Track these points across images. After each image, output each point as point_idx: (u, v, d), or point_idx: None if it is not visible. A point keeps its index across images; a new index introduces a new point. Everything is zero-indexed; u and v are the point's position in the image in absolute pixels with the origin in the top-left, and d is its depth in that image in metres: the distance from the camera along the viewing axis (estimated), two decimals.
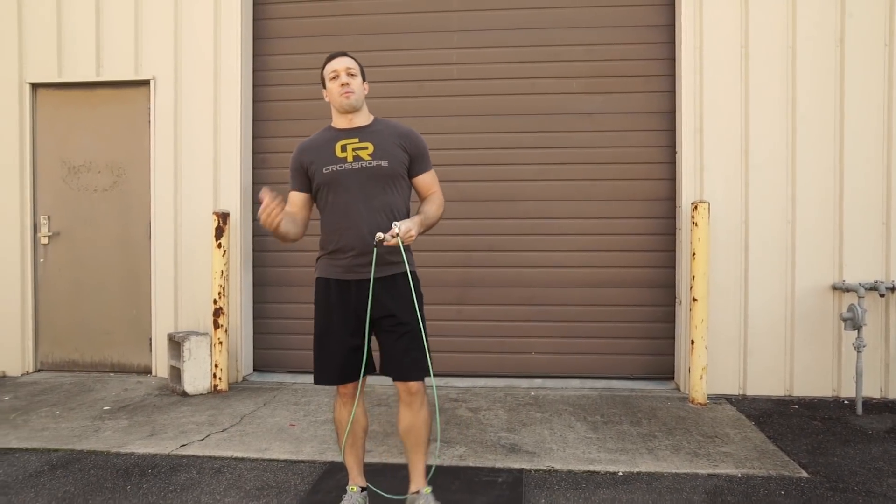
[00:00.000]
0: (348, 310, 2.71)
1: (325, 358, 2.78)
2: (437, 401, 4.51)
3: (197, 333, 4.95)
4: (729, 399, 4.66)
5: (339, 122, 2.82)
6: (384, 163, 2.71)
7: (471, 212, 5.14)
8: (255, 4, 5.35)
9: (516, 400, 4.64)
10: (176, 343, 4.90)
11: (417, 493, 2.78)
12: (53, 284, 5.47)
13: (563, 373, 5.13)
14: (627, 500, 3.04)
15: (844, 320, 4.38)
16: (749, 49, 4.75)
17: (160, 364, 5.28)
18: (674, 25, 5.01)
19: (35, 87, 5.39)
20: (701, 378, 4.51)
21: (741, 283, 4.75)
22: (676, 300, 4.98)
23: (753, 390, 4.74)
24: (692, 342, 4.54)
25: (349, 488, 2.86)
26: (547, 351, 5.15)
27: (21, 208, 5.38)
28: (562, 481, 3.26)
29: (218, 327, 4.92)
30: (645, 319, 5.08)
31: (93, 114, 5.39)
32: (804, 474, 3.31)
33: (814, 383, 4.71)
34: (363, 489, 2.88)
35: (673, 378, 5.02)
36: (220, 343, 4.91)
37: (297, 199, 2.82)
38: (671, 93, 5.03)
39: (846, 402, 4.59)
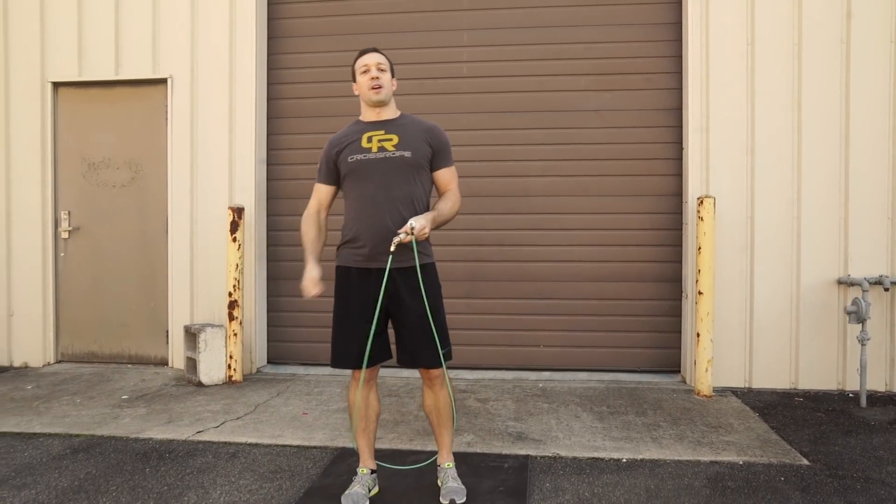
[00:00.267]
0: (368, 297, 2.81)
1: (342, 343, 2.88)
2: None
3: (212, 325, 5.08)
4: (734, 392, 4.72)
5: (368, 114, 2.93)
6: (407, 154, 2.81)
7: (480, 207, 5.23)
8: (269, 4, 5.47)
9: (524, 391, 4.73)
10: (192, 335, 5.03)
11: (440, 466, 2.99)
12: (73, 278, 5.61)
13: (570, 366, 5.21)
14: (630, 484, 3.12)
15: (849, 314, 4.43)
16: (755, 46, 4.81)
17: (176, 356, 5.42)
18: (681, 23, 5.07)
19: (56, 86, 5.54)
20: (706, 370, 4.57)
21: (747, 277, 4.81)
22: (683, 294, 5.04)
23: (759, 383, 4.80)
24: (698, 335, 4.60)
25: (359, 470, 2.96)
26: (555, 344, 5.23)
27: (43, 204, 5.53)
28: (566, 467, 3.34)
29: (233, 319, 5.04)
30: (651, 313, 5.15)
31: (112, 112, 5.54)
32: (805, 462, 3.38)
33: (819, 376, 4.76)
34: (373, 471, 2.98)
35: (679, 371, 5.09)
36: (235, 335, 5.03)
37: (322, 191, 2.98)
38: (678, 90, 5.09)
39: (851, 395, 4.64)
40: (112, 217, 5.55)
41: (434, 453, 3.22)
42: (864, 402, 4.38)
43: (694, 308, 4.71)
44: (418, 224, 2.65)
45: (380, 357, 2.89)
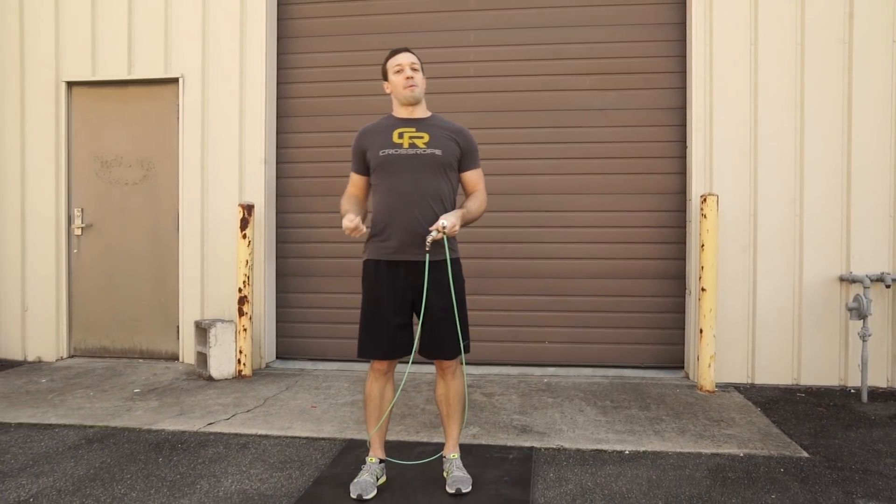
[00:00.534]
0: (396, 290, 2.89)
1: (370, 334, 2.95)
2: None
3: (222, 321, 5.17)
4: (737, 387, 4.78)
5: (400, 112, 3.02)
6: (437, 152, 2.90)
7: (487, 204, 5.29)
8: (279, 4, 5.55)
9: (529, 386, 4.79)
10: (203, 330, 5.12)
11: (445, 457, 3.07)
12: (86, 274, 5.72)
13: (575, 361, 5.28)
14: (632, 475, 3.19)
15: (850, 310, 4.49)
16: (758, 46, 4.87)
17: (187, 351, 5.51)
18: (684, 23, 5.13)
19: (70, 85, 5.64)
20: (709, 366, 4.63)
21: (749, 274, 4.87)
22: (686, 291, 5.10)
23: (761, 379, 4.85)
24: (701, 331, 4.66)
25: (368, 459, 3.04)
26: (560, 340, 5.30)
27: (56, 201, 5.64)
28: (570, 458, 3.41)
29: (242, 315, 5.12)
30: (655, 310, 5.21)
31: (124, 110, 5.64)
32: (805, 454, 3.44)
33: (821, 372, 4.81)
34: (381, 461, 3.06)
35: (682, 367, 5.15)
36: (245, 330, 5.11)
37: (356, 180, 3.08)
38: (682, 89, 5.15)
39: (852, 390, 4.69)
40: (124, 214, 5.65)
41: (439, 445, 3.30)
42: (865, 397, 4.43)
43: (697, 304, 4.77)
44: (450, 222, 2.73)
45: (404, 349, 2.96)
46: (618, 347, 5.25)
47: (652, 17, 5.22)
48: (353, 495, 2.89)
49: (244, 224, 5.11)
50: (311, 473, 3.24)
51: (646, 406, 4.30)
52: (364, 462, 3.07)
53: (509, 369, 5.23)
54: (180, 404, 4.41)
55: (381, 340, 2.92)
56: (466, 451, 3.35)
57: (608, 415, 4.13)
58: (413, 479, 3.12)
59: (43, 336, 5.69)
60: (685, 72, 5.13)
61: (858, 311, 4.43)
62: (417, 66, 2.99)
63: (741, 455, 3.43)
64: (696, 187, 4.92)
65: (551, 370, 5.21)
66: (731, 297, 4.86)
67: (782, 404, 4.37)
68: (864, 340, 4.44)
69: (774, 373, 4.84)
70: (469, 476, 3.02)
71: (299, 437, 3.76)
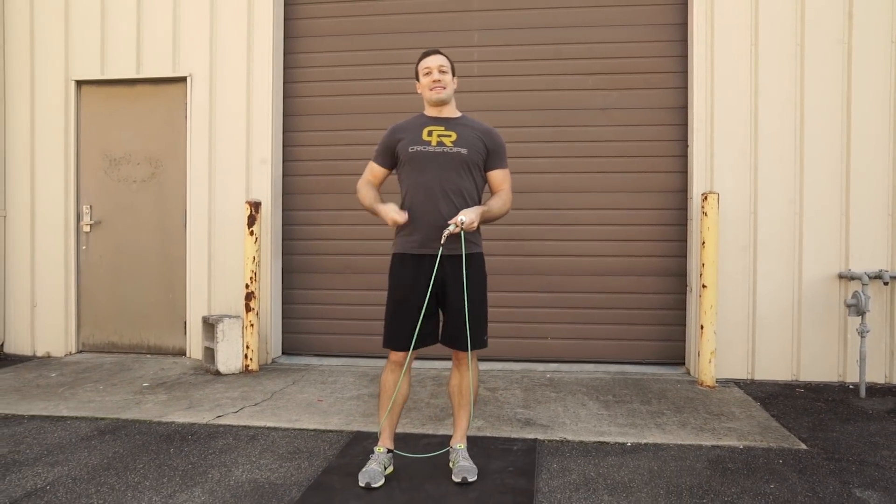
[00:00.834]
0: (420, 282, 2.98)
1: (395, 325, 3.04)
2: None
3: (230, 316, 5.23)
4: (737, 383, 4.85)
5: (430, 111, 3.13)
6: (464, 150, 2.99)
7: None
8: (285, 5, 5.63)
9: (532, 381, 4.86)
10: (210, 325, 5.19)
11: (452, 447, 3.16)
12: (94, 270, 5.79)
13: (577, 357, 5.35)
14: (634, 466, 3.26)
15: (849, 306, 4.55)
16: (758, 46, 4.94)
17: (194, 346, 5.58)
18: (686, 24, 5.20)
19: (80, 83, 5.72)
20: (710, 362, 4.70)
21: (750, 271, 4.94)
22: (687, 288, 5.17)
23: (761, 375, 4.92)
24: (701, 327, 4.73)
25: (376, 448, 3.12)
26: (562, 336, 5.37)
27: (65, 198, 5.71)
28: (573, 450, 3.48)
29: (250, 310, 5.20)
30: (657, 307, 5.28)
31: (133, 109, 5.71)
32: (803, 447, 3.51)
33: (820, 368, 4.88)
34: (389, 451, 3.13)
35: (683, 363, 5.22)
36: (252, 325, 5.19)
37: (377, 171, 3.19)
38: (683, 89, 5.22)
39: (851, 386, 4.76)
40: (132, 211, 5.73)
41: (445, 437, 3.37)
42: (863, 392, 4.50)
43: (698, 301, 4.84)
44: (468, 218, 2.83)
45: (429, 339, 3.04)
46: (619, 344, 5.32)
47: (654, 17, 5.29)
48: (362, 483, 2.96)
49: (251, 221, 5.19)
50: (320, 464, 3.31)
51: (647, 401, 4.37)
52: (372, 452, 3.14)
53: (512, 365, 5.30)
54: (189, 398, 4.48)
55: (402, 332, 3.01)
56: (472, 443, 3.41)
57: (610, 409, 4.20)
58: (420, 469, 3.19)
59: (52, 332, 5.76)
60: (686, 72, 5.20)
61: (857, 308, 4.50)
62: (446, 69, 3.08)
63: (741, 447, 3.50)
64: (697, 186, 4.99)
65: (554, 366, 5.28)
66: (731, 294, 4.93)
67: (781, 399, 4.44)
68: (862, 337, 4.51)
69: (774, 369, 4.91)
70: (475, 466, 3.09)
71: (307, 430, 3.83)
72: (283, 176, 5.64)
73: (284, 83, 5.65)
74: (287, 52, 5.65)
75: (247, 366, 5.18)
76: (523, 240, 5.38)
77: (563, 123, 5.37)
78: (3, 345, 5.80)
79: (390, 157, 3.13)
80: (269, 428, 3.86)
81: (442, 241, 2.87)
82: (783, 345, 4.91)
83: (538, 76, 5.39)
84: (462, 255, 2.94)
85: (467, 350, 3.03)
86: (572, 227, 5.35)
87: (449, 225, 2.84)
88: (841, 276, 4.84)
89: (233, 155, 5.49)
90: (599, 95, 5.34)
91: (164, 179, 5.69)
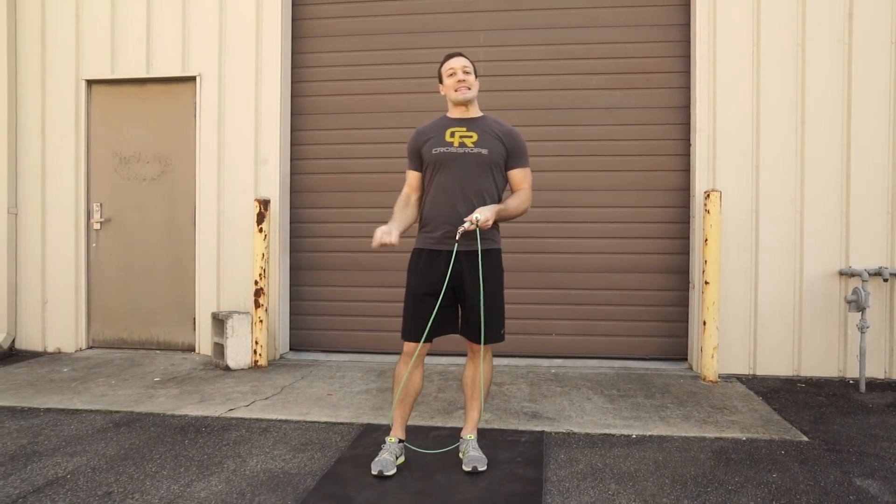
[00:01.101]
0: (435, 277, 3.07)
1: (412, 318, 3.13)
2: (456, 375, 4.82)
3: (239, 312, 5.31)
4: (739, 378, 4.92)
5: (453, 112, 3.21)
6: (484, 151, 3.08)
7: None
8: (293, 5, 5.70)
9: (537, 376, 4.94)
10: (220, 321, 5.26)
11: (462, 438, 3.25)
12: (105, 268, 5.87)
13: (581, 353, 5.42)
14: (640, 457, 3.34)
15: (849, 302, 4.63)
16: (760, 46, 5.02)
17: (203, 342, 5.66)
18: (689, 25, 5.28)
19: (90, 83, 5.80)
20: (712, 357, 4.78)
21: (752, 268, 5.01)
22: (690, 284, 5.25)
23: (763, 370, 5.00)
24: (704, 323, 4.81)
25: (388, 439, 3.20)
26: (567, 332, 5.45)
27: (76, 196, 5.79)
28: (579, 441, 3.56)
29: (259, 307, 5.27)
30: (660, 303, 5.36)
31: (142, 108, 5.79)
32: (804, 439, 3.59)
33: (821, 364, 4.95)
34: (401, 441, 3.21)
35: (686, 359, 5.29)
36: (261, 321, 5.26)
37: (411, 177, 3.26)
38: (686, 88, 5.30)
39: (851, 381, 4.84)
40: (142, 209, 5.80)
41: (452, 429, 3.46)
42: (863, 387, 4.58)
43: (701, 298, 4.91)
44: (482, 216, 2.91)
45: (445, 329, 3.13)
46: (623, 340, 5.40)
47: (657, 18, 5.37)
48: (375, 472, 3.04)
49: (260, 218, 5.26)
50: (332, 454, 3.38)
51: (651, 395, 4.45)
52: (384, 442, 3.22)
53: (517, 360, 5.37)
54: (200, 392, 4.55)
55: (415, 325, 3.09)
56: (480, 435, 3.48)
57: (615, 402, 4.27)
58: (431, 459, 3.27)
59: (62, 328, 5.84)
60: (689, 72, 5.28)
61: (857, 304, 4.58)
62: (469, 70, 3.16)
63: (744, 439, 3.58)
64: (699, 184, 5.07)
65: (558, 361, 5.36)
66: (733, 291, 5.01)
67: (783, 394, 4.52)
68: (862, 332, 4.59)
69: (775, 364, 4.99)
70: (484, 456, 3.17)
71: (318, 422, 3.90)
72: (291, 174, 5.71)
73: (292, 83, 5.72)
74: (295, 52, 5.73)
75: (256, 361, 5.26)
76: (528, 237, 5.44)
77: (567, 122, 5.45)
78: (14, 340, 5.87)
79: (419, 160, 3.21)
80: (280, 421, 3.93)
81: (457, 238, 2.95)
82: (784, 340, 4.99)
83: (543, 76, 5.47)
84: (478, 251, 3.01)
85: (481, 343, 3.10)
86: (576, 225, 5.43)
87: (465, 222, 2.92)
88: (841, 273, 4.91)
89: (241, 153, 5.56)
90: (603, 95, 5.42)
91: (173, 177, 5.76)
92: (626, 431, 3.71)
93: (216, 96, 5.59)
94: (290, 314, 5.76)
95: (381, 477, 3.03)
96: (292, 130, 5.73)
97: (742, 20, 5.04)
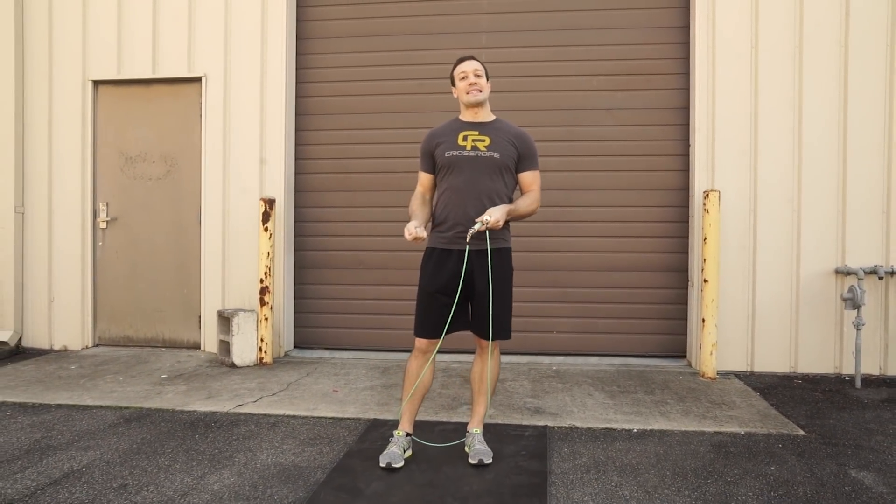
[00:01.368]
0: (445, 276, 3.15)
1: (424, 315, 3.21)
2: (461, 372, 4.90)
3: (244, 310, 5.38)
4: (737, 374, 5.01)
5: (465, 115, 3.29)
6: (496, 155, 3.16)
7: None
8: (298, 7, 5.77)
9: (539, 373, 5.02)
10: (225, 319, 5.33)
11: (469, 432, 3.34)
12: (110, 266, 5.93)
13: (582, 350, 5.51)
14: (641, 450, 3.42)
15: (845, 300, 4.72)
16: (759, 48, 5.10)
17: (209, 340, 5.73)
18: (688, 27, 5.37)
19: (96, 83, 5.86)
20: (711, 354, 4.86)
21: (749, 266, 5.10)
22: (689, 283, 5.34)
23: (760, 367, 5.09)
24: (703, 320, 4.89)
25: (396, 432, 3.27)
26: (568, 330, 5.53)
27: (82, 196, 5.85)
28: (582, 436, 3.64)
29: (264, 304, 5.35)
30: (659, 301, 5.44)
31: (148, 108, 5.85)
32: (801, 433, 3.67)
33: (817, 361, 5.05)
34: (408, 434, 3.29)
35: (685, 356, 5.38)
36: (266, 319, 5.33)
37: (424, 178, 3.34)
38: (685, 90, 5.38)
39: (847, 377, 4.93)
40: (147, 208, 5.87)
41: (457, 424, 3.56)
42: (858, 383, 4.67)
43: (699, 296, 5.00)
44: (493, 216, 2.99)
45: (456, 326, 3.20)
46: (623, 337, 5.48)
47: (657, 20, 5.46)
48: (383, 464, 3.12)
49: (266, 217, 5.34)
50: (341, 448, 3.46)
51: (651, 391, 4.53)
52: (392, 436, 3.29)
53: (519, 358, 5.45)
54: (207, 388, 4.63)
55: (427, 321, 3.18)
56: (485, 430, 3.54)
57: (615, 398, 4.36)
58: (438, 453, 3.35)
59: (68, 326, 5.90)
60: (689, 73, 5.36)
61: (853, 301, 4.67)
62: (481, 73, 3.24)
63: (742, 433, 3.67)
64: (698, 184, 5.16)
65: (559, 359, 5.44)
66: (731, 289, 5.09)
67: (780, 390, 4.61)
68: (857, 329, 4.68)
69: (773, 361, 5.08)
70: (490, 449, 3.25)
71: (325, 417, 3.98)
72: (296, 174, 5.78)
73: (297, 83, 5.79)
74: (299, 53, 5.80)
75: (261, 358, 5.33)
76: (529, 236, 5.50)
77: (568, 123, 5.53)
78: (21, 338, 5.94)
79: (431, 161, 3.28)
80: (288, 416, 4.01)
81: (468, 239, 3.03)
82: (782, 338, 5.08)
83: (545, 77, 5.55)
84: (488, 250, 3.09)
85: (489, 339, 3.18)
86: (577, 224, 5.51)
87: (476, 223, 3.00)
88: (837, 272, 5.00)
89: (246, 153, 5.63)
90: (604, 96, 5.50)
91: (178, 177, 5.83)
92: (627, 426, 3.79)
93: (221, 97, 5.66)
94: (295, 312, 5.83)
95: (389, 469, 3.11)
96: (296, 130, 5.80)
97: (741, 23, 5.13)
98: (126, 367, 5.24)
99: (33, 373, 5.06)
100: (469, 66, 3.23)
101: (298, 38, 5.80)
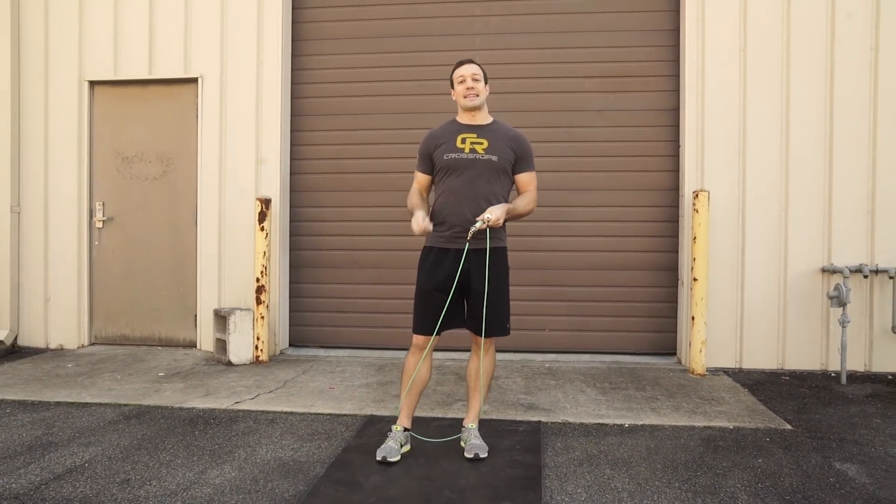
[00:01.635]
0: (443, 274, 3.23)
1: (422, 312, 3.28)
2: (456, 370, 4.98)
3: (240, 309, 5.43)
4: (726, 371, 5.11)
5: (463, 118, 3.35)
6: (494, 157, 3.24)
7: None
8: (293, 8, 5.83)
9: (532, 370, 5.11)
10: (222, 317, 5.38)
11: (465, 427, 3.41)
12: (107, 265, 5.97)
13: (574, 348, 5.60)
14: (632, 444, 3.50)
15: (831, 298, 4.83)
16: (747, 52, 5.20)
17: (205, 338, 5.77)
18: (678, 30, 5.46)
19: (93, 84, 5.90)
20: (700, 351, 4.96)
21: (738, 265, 5.20)
22: (679, 281, 5.43)
23: (748, 364, 5.19)
24: (692, 318, 4.99)
25: (394, 427, 3.34)
26: (560, 328, 5.62)
27: (79, 195, 5.89)
28: (574, 430, 3.72)
29: (260, 303, 5.40)
30: (650, 300, 5.54)
31: (145, 109, 5.90)
32: (788, 427, 3.77)
33: (804, 358, 5.15)
34: (406, 429, 3.36)
35: (675, 353, 5.48)
36: (262, 318, 5.39)
37: (421, 178, 3.42)
38: (675, 92, 5.48)
39: (833, 374, 5.04)
40: (144, 208, 5.91)
41: (453, 420, 3.62)
42: (844, 379, 4.78)
43: (689, 294, 5.10)
44: (493, 215, 3.07)
45: (453, 323, 3.28)
46: (615, 335, 5.57)
47: (647, 23, 5.55)
48: (379, 458, 3.19)
49: (262, 217, 5.39)
50: (339, 444, 3.52)
51: (642, 387, 4.62)
52: (390, 430, 3.36)
53: (512, 355, 5.53)
54: (205, 386, 4.68)
55: (424, 319, 3.26)
56: (479, 425, 3.62)
57: (607, 395, 4.44)
58: (434, 447, 3.41)
59: (64, 325, 5.94)
60: (678, 75, 5.46)
61: (839, 299, 4.77)
62: (479, 77, 3.30)
63: (731, 427, 3.76)
64: (688, 184, 5.25)
65: (552, 356, 5.52)
66: (720, 288, 5.19)
67: (768, 386, 4.71)
68: (843, 327, 4.79)
69: (761, 358, 5.18)
70: (485, 444, 3.32)
71: (323, 414, 4.04)
72: (291, 174, 5.84)
73: (292, 84, 5.85)
74: (295, 55, 5.85)
75: (257, 356, 5.38)
76: (523, 235, 5.57)
77: (560, 124, 5.62)
78: (17, 337, 5.97)
79: (429, 163, 3.35)
80: (286, 413, 4.07)
81: (468, 237, 3.11)
82: (769, 335, 5.18)
83: (537, 79, 5.63)
84: (486, 248, 3.17)
85: (482, 336, 3.26)
86: (569, 224, 5.60)
87: (476, 222, 3.07)
88: (824, 270, 5.11)
89: (242, 153, 5.69)
90: (596, 98, 5.59)
91: (175, 177, 5.87)
92: (618, 421, 3.88)
93: (217, 97, 5.71)
94: (290, 311, 5.89)
95: (384, 463, 3.18)
96: (292, 131, 5.86)
97: (729, 26, 5.23)
98: (123, 365, 5.28)
99: (31, 371, 5.10)
100: (467, 70, 3.30)
101: (294, 39, 5.85)
